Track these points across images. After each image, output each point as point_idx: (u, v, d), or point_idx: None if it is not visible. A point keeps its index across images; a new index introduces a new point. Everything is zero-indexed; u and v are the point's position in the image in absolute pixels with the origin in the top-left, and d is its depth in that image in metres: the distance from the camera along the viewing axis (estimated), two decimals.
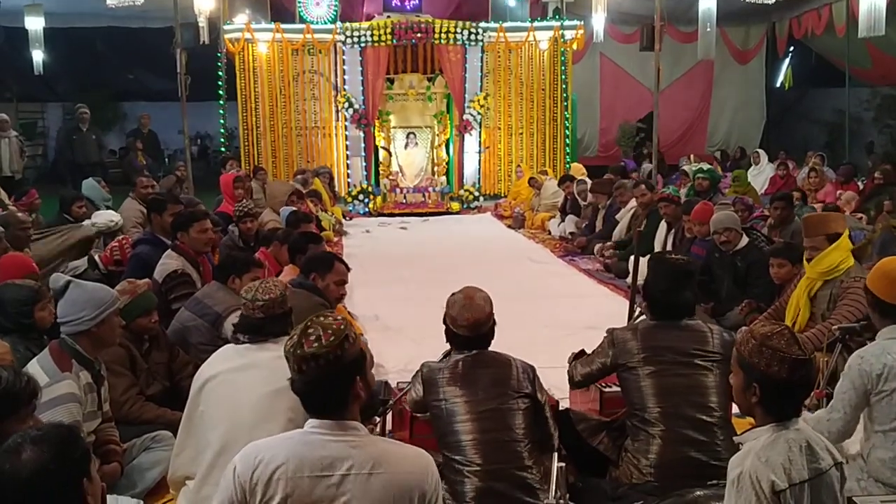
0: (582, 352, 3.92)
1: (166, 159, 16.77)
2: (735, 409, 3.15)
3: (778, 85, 18.42)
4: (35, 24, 13.06)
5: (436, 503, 2.29)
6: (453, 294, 3.39)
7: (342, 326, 2.26)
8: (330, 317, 2.32)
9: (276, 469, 2.20)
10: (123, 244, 6.12)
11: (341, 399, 2.26)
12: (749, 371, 2.38)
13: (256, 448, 2.27)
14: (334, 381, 2.24)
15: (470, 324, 3.27)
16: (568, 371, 3.77)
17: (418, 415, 3.61)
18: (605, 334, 3.57)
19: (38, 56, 13.41)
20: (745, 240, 6.25)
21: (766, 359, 2.32)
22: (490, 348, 3.39)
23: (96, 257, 6.04)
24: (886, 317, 3.28)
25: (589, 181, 10.89)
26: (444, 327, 3.39)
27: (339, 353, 2.22)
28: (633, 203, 9.21)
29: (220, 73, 13.99)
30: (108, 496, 2.78)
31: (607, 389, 4.03)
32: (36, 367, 3.26)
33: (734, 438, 2.74)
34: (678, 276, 3.49)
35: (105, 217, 6.99)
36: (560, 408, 3.83)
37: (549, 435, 3.30)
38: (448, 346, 3.48)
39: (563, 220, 11.08)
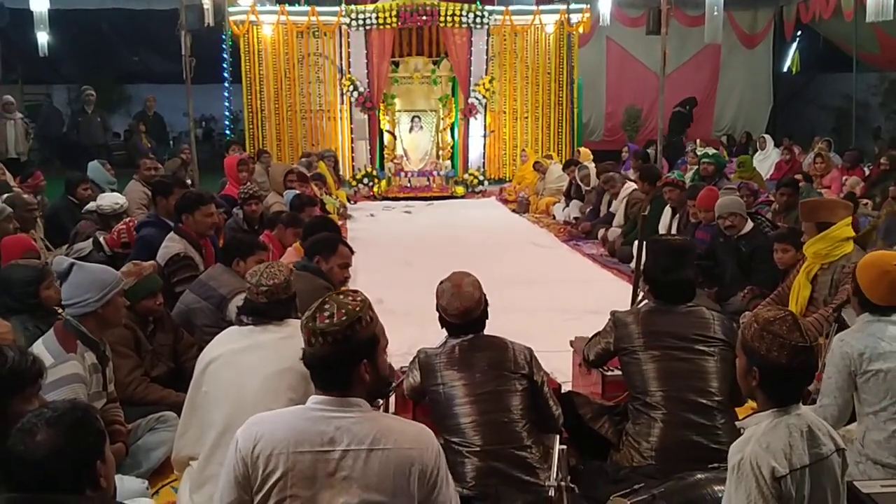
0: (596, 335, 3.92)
1: (171, 142, 16.76)
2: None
3: (785, 70, 18.31)
4: (40, 5, 13.00)
5: (437, 477, 2.29)
6: (441, 282, 3.40)
7: (358, 308, 2.27)
8: (350, 296, 2.32)
9: (276, 444, 2.22)
10: (130, 226, 6.12)
11: (345, 378, 2.27)
12: (750, 355, 2.38)
13: (258, 423, 2.29)
14: (340, 359, 2.25)
15: (460, 312, 3.29)
16: (583, 352, 3.79)
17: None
18: (609, 317, 3.58)
19: (43, 38, 13.36)
20: (749, 225, 6.24)
21: (767, 343, 2.33)
22: (493, 332, 3.41)
23: (101, 239, 6.05)
24: (865, 308, 3.30)
25: (591, 166, 10.86)
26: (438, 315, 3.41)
27: (349, 333, 2.23)
28: (624, 192, 9.21)
29: (225, 56, 13.97)
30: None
31: (609, 373, 4.05)
32: (41, 348, 3.28)
33: (736, 423, 2.75)
34: (676, 254, 3.50)
35: (110, 199, 6.99)
36: (562, 391, 3.85)
37: (550, 416, 3.32)
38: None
39: (567, 205, 11.06)
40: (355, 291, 2.37)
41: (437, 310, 3.38)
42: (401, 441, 2.25)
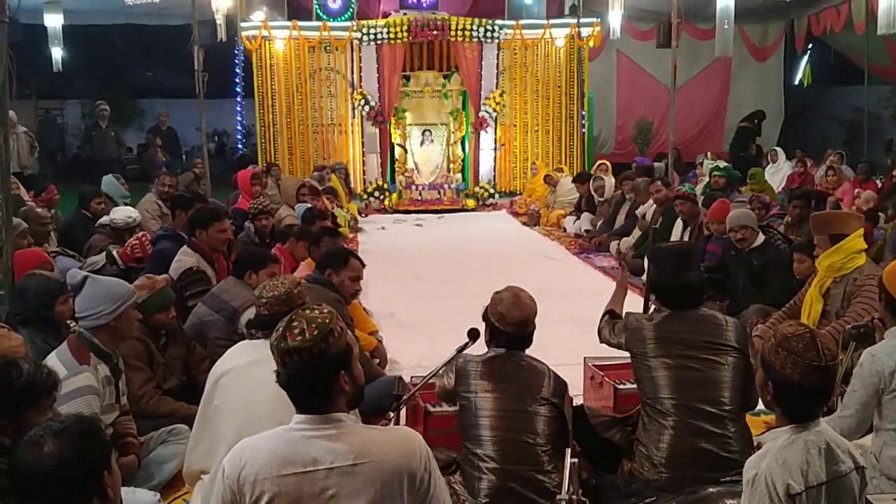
0: (611, 312, 3.90)
1: (184, 156, 16.86)
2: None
3: (796, 82, 18.28)
4: (54, 21, 13.14)
5: (428, 482, 2.25)
6: (498, 292, 3.42)
7: (327, 320, 2.23)
8: (317, 309, 2.28)
9: (260, 469, 2.19)
10: (143, 241, 6.16)
11: (325, 393, 2.24)
12: (766, 368, 2.37)
13: (242, 448, 2.26)
14: (317, 375, 2.21)
15: (518, 321, 3.31)
16: (599, 326, 3.82)
17: (436, 409, 3.64)
18: (624, 317, 3.58)
19: (57, 53, 13.49)
20: (761, 237, 6.22)
21: (781, 360, 2.31)
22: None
23: (114, 253, 6.08)
24: None
25: (605, 177, 10.86)
26: (470, 330, 3.45)
27: (323, 347, 2.19)
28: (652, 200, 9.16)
29: (238, 71, 14.05)
30: (125, 488, 2.82)
31: (621, 387, 4.05)
32: (54, 361, 3.30)
33: (755, 438, 2.73)
34: (678, 258, 3.51)
35: (123, 213, 7.04)
36: (574, 404, 3.84)
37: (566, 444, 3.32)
38: (464, 341, 3.51)
39: (578, 218, 11.06)
40: (319, 304, 2.32)
41: (489, 318, 3.38)
42: (386, 452, 2.22)
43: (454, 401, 3.41)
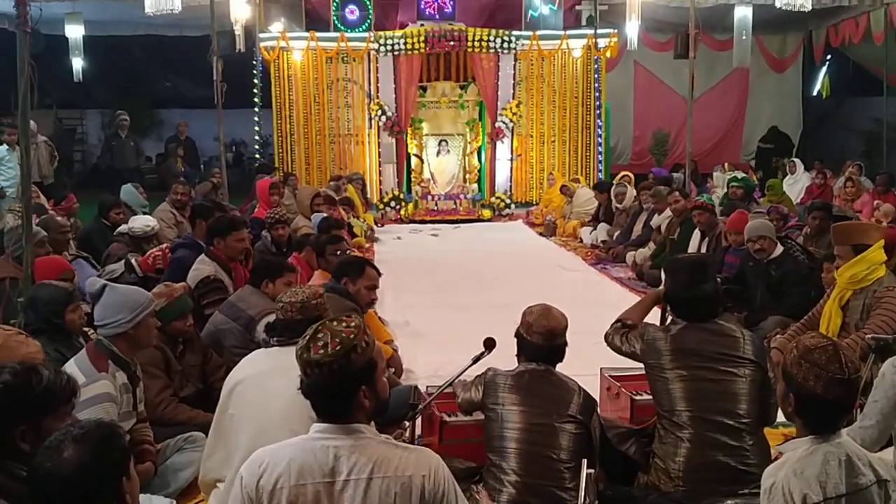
0: (624, 321, 3.88)
1: (202, 165, 16.98)
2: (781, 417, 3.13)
3: (815, 93, 18.19)
4: (75, 32, 13.34)
5: (444, 500, 2.25)
6: (530, 306, 3.44)
7: (352, 335, 2.23)
8: (344, 321, 2.29)
9: (279, 477, 2.20)
10: (165, 252, 6.20)
11: (344, 406, 2.25)
12: (788, 380, 2.36)
13: (261, 456, 2.27)
14: (337, 389, 2.22)
15: (546, 331, 3.31)
16: (608, 332, 3.80)
17: (452, 419, 3.63)
18: (641, 328, 3.57)
19: (77, 63, 13.68)
20: (779, 249, 6.18)
21: (804, 372, 2.29)
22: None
23: (133, 261, 6.12)
24: None
25: (628, 186, 10.85)
26: (486, 339, 3.50)
27: (344, 362, 2.20)
28: (668, 211, 9.13)
29: (256, 81, 14.14)
30: (142, 495, 2.83)
31: (638, 398, 4.03)
32: (73, 368, 3.32)
33: (776, 448, 2.71)
34: (693, 269, 3.49)
35: (141, 222, 7.09)
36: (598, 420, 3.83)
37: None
38: (479, 351, 3.51)
39: (594, 228, 11.04)
40: (349, 317, 2.32)
41: (518, 332, 3.40)
42: (402, 468, 2.22)
43: (473, 411, 3.40)
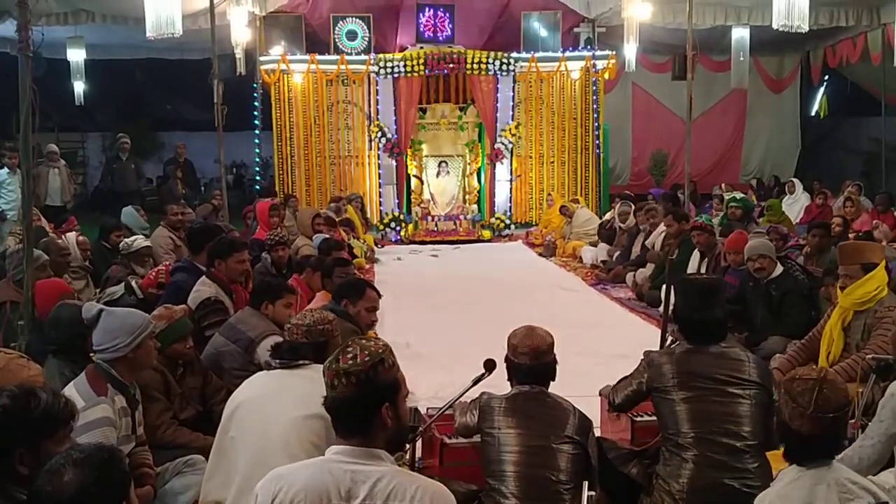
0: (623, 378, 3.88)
1: (202, 188, 17.03)
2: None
3: (813, 113, 18.28)
4: (77, 55, 13.43)
5: None
6: (514, 329, 3.46)
7: (381, 350, 2.28)
8: (373, 340, 2.34)
9: (294, 496, 2.20)
10: (167, 269, 6.20)
11: (366, 421, 2.26)
12: (777, 414, 2.42)
13: (278, 476, 2.28)
14: (363, 400, 2.25)
15: (530, 350, 3.31)
16: (608, 395, 3.76)
17: (452, 441, 3.62)
18: (642, 357, 3.56)
19: (79, 87, 13.77)
20: (779, 268, 6.19)
21: (790, 411, 2.35)
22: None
23: (133, 283, 6.11)
24: None
25: (633, 205, 10.88)
26: (487, 361, 3.48)
27: (372, 374, 2.23)
28: (660, 229, 9.16)
29: (256, 104, 14.22)
30: None
31: (639, 419, 4.01)
32: (72, 391, 3.31)
33: (779, 472, 2.71)
34: (705, 292, 3.48)
35: (131, 240, 7.16)
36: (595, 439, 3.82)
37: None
38: (480, 373, 3.50)
39: (597, 246, 11.06)
40: (376, 338, 2.37)
41: (507, 356, 3.41)
42: (417, 498, 2.20)
43: (471, 436, 3.40)
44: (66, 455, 2.02)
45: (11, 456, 2.37)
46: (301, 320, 3.35)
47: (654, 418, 3.53)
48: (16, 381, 2.81)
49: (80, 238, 6.94)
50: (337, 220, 10.19)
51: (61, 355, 3.89)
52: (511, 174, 14.25)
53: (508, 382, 3.44)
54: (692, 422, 3.24)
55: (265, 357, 3.50)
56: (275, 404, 3.16)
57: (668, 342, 4.65)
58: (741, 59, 13.90)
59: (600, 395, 4.51)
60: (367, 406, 2.25)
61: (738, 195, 12.44)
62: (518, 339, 3.36)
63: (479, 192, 14.38)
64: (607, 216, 12.03)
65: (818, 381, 2.37)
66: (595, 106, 14.36)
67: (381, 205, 14.10)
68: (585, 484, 2.95)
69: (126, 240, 7.24)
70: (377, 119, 13.82)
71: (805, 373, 2.40)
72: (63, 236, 7.53)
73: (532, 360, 3.31)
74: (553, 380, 3.40)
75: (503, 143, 13.94)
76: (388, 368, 2.28)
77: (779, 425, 2.38)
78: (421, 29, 13.90)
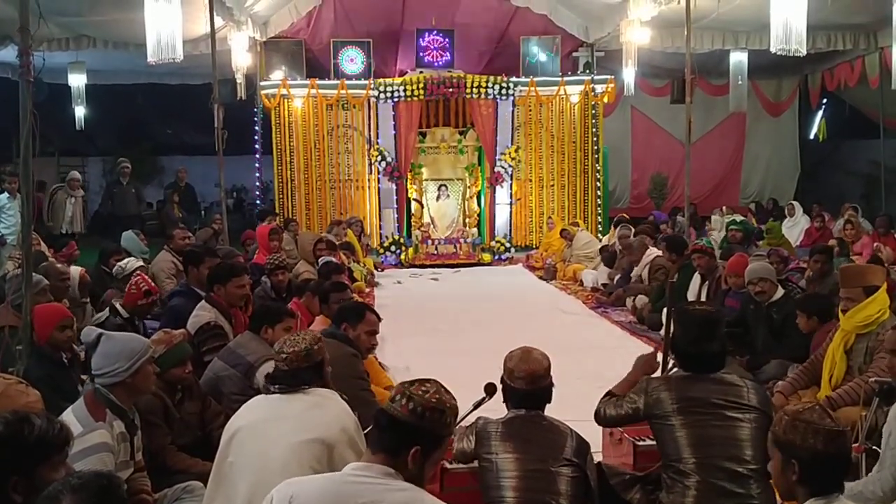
0: (610, 392, 3.84)
1: (202, 212, 17.04)
2: None
3: (812, 137, 18.33)
4: (78, 80, 13.49)
5: None
6: (510, 352, 3.43)
7: (450, 405, 2.39)
8: (450, 395, 2.43)
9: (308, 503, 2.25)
10: (144, 276, 6.09)
11: (397, 447, 2.33)
12: (786, 448, 2.37)
13: (294, 484, 2.34)
14: (402, 429, 2.33)
15: (527, 375, 3.29)
16: (598, 407, 3.71)
17: (453, 466, 3.59)
18: (643, 382, 3.53)
19: (80, 112, 13.82)
20: (780, 291, 6.18)
21: (801, 433, 2.32)
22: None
23: (117, 305, 6.00)
24: None
25: (632, 227, 10.89)
26: (487, 385, 3.53)
27: (427, 415, 2.34)
28: (647, 259, 9.22)
29: (257, 128, 14.27)
30: None
31: (641, 443, 3.98)
32: (70, 417, 3.28)
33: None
34: (703, 325, 3.44)
35: (124, 263, 7.12)
36: (593, 462, 3.78)
37: None
38: (481, 396, 3.47)
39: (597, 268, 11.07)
40: (453, 397, 2.45)
41: (502, 379, 3.39)
42: None
43: (469, 462, 3.36)
44: (65, 482, 2.02)
45: (6, 484, 2.35)
46: (296, 347, 3.31)
47: (655, 443, 3.49)
48: (14, 406, 2.79)
49: (83, 274, 6.86)
50: (337, 243, 10.18)
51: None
52: (511, 197, 14.27)
53: (504, 405, 3.41)
54: (693, 447, 3.21)
55: (264, 382, 3.48)
56: (274, 429, 3.14)
57: (671, 366, 4.62)
58: (739, 82, 13.97)
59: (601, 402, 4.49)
60: (405, 436, 2.32)
61: (738, 218, 12.46)
62: (514, 363, 3.33)
63: (479, 215, 14.40)
64: (605, 239, 12.05)
65: (819, 404, 2.43)
66: (594, 129, 14.42)
67: (381, 228, 14.11)
68: None
69: (119, 263, 7.18)
70: (377, 143, 13.87)
71: (800, 405, 2.43)
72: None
73: (528, 384, 3.29)
74: (549, 402, 3.37)
75: (503, 167, 13.97)
76: (444, 423, 2.37)
77: (795, 462, 2.33)
78: (421, 54, 13.98)
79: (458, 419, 3.42)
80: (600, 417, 3.68)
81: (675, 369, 3.83)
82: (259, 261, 8.32)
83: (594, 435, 4.56)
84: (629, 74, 12.56)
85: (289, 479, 2.37)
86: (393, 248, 13.88)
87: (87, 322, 6.29)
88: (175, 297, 6.12)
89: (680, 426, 3.25)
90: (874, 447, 3.26)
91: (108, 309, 6.13)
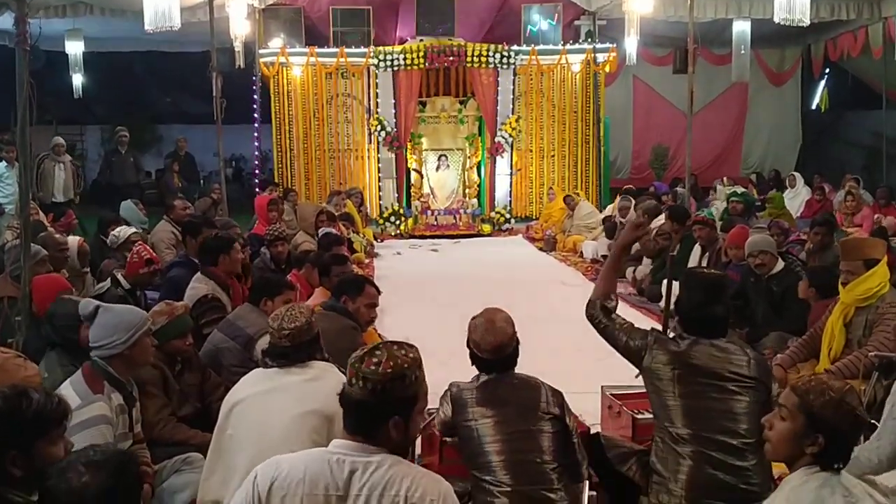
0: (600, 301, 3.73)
1: (202, 181, 16.99)
2: None
3: (813, 107, 18.22)
4: (75, 48, 13.37)
5: None
6: (474, 318, 3.43)
7: (406, 365, 2.26)
8: (404, 349, 2.31)
9: (292, 484, 2.23)
10: (144, 245, 6.07)
11: (373, 426, 2.26)
12: (817, 422, 2.32)
13: (278, 461, 2.31)
14: (373, 408, 2.25)
15: (493, 347, 3.31)
16: (594, 313, 3.65)
17: (447, 439, 3.60)
18: (651, 330, 3.49)
19: (77, 80, 13.71)
20: (780, 264, 6.16)
21: (842, 415, 2.31)
22: (521, 371, 3.39)
23: (119, 276, 5.98)
24: None
25: (633, 199, 10.86)
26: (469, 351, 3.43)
27: (389, 386, 2.22)
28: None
29: (255, 97, 14.17)
30: None
31: (640, 416, 3.99)
32: (68, 390, 3.28)
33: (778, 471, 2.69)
34: (710, 288, 3.43)
35: (118, 231, 7.08)
36: (591, 433, 3.79)
37: (576, 462, 3.28)
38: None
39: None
40: (410, 346, 2.35)
41: (469, 345, 3.39)
42: (413, 489, 2.21)
43: (455, 431, 3.36)
44: (85, 454, 2.06)
45: (4, 458, 2.35)
46: (296, 321, 3.31)
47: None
48: (13, 380, 2.79)
49: (82, 244, 6.82)
50: (336, 214, 10.15)
51: (57, 348, 3.88)
52: (511, 168, 14.21)
53: (474, 366, 3.42)
54: (687, 418, 3.20)
55: (261, 356, 3.48)
56: (273, 402, 3.15)
57: (673, 331, 4.62)
58: (742, 52, 13.84)
59: (602, 391, 4.50)
60: (377, 414, 2.25)
61: (739, 189, 12.42)
62: (479, 336, 3.33)
63: (479, 186, 14.35)
64: (608, 210, 12.03)
65: (852, 387, 2.47)
66: (596, 99, 14.32)
67: (380, 199, 14.07)
68: (586, 485, 2.92)
69: (113, 232, 7.13)
70: (377, 112, 13.78)
71: (840, 384, 2.42)
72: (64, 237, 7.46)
73: (495, 355, 3.32)
74: (516, 364, 3.39)
75: (503, 137, 13.89)
76: (408, 385, 2.26)
77: (822, 437, 2.31)
78: (421, 21, 13.83)
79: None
80: (592, 316, 3.63)
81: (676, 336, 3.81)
82: (258, 231, 8.29)
83: (593, 406, 4.59)
84: (631, 44, 12.45)
85: (273, 458, 2.33)
86: (392, 218, 13.85)
87: (87, 292, 6.28)
88: (174, 267, 6.09)
89: (677, 395, 3.24)
90: (873, 421, 3.26)
91: (108, 279, 6.12)
